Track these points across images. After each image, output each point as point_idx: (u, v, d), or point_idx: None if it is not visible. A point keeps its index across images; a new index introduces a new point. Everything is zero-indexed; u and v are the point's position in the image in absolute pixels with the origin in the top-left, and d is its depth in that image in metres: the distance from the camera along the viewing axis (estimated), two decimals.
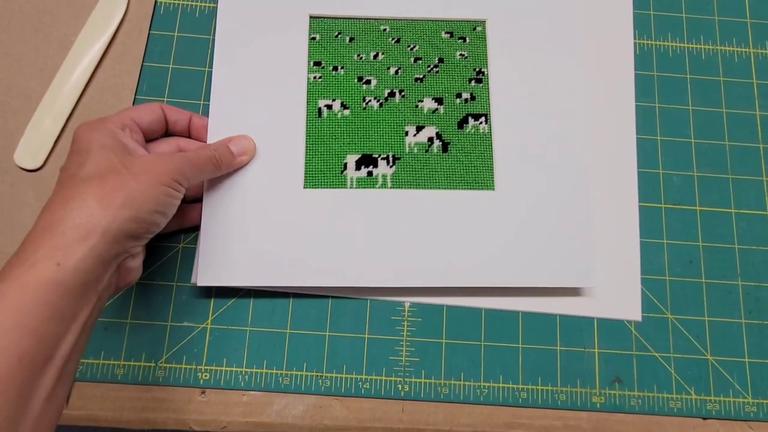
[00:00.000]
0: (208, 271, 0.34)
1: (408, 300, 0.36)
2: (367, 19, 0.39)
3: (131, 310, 0.35)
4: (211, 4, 0.41)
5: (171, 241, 0.37)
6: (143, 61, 0.39)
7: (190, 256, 0.36)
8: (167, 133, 0.35)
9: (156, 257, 0.36)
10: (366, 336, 0.36)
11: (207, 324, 0.35)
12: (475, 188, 0.36)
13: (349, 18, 0.39)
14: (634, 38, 0.42)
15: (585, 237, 0.36)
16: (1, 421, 0.22)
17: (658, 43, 0.42)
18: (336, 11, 0.39)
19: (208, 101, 0.39)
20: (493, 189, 0.36)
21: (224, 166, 0.34)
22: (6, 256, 0.35)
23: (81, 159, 0.28)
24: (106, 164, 0.28)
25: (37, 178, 0.37)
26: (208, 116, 0.36)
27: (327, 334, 0.36)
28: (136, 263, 0.30)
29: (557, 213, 0.36)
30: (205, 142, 0.35)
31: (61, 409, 0.25)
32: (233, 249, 0.34)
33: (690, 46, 0.42)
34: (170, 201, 0.29)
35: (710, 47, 0.42)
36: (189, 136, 0.36)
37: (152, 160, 0.29)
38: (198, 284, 0.34)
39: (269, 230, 0.35)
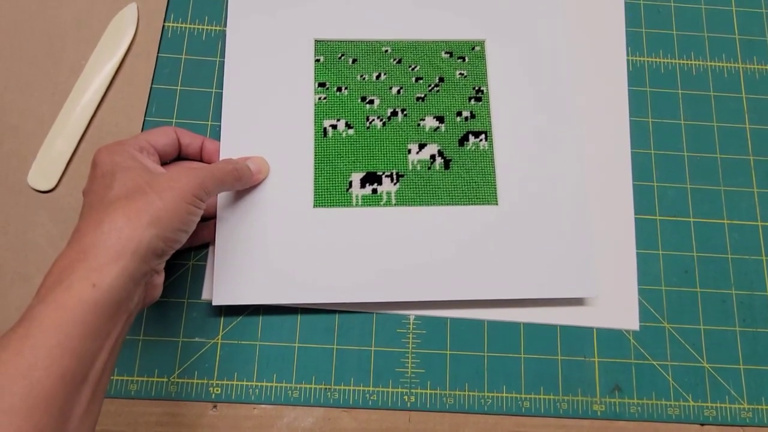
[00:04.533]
0: (223, 291, 0.35)
1: (413, 313, 0.37)
2: (369, 41, 0.41)
3: (143, 327, 0.36)
4: (217, 28, 0.42)
5: (181, 258, 0.38)
6: (152, 84, 0.41)
7: (200, 273, 0.37)
8: (179, 156, 0.36)
9: (167, 275, 0.37)
10: (372, 349, 0.37)
11: (218, 339, 0.36)
12: (478, 203, 0.38)
13: (352, 41, 0.40)
14: (627, 55, 0.43)
15: (585, 248, 0.37)
16: None
17: (650, 59, 0.43)
18: (339, 35, 0.40)
19: (216, 122, 0.40)
20: (497, 204, 0.38)
21: (244, 180, 0.35)
22: (20, 275, 0.37)
23: (107, 181, 0.29)
24: (132, 185, 0.29)
25: (50, 199, 0.38)
26: (218, 139, 0.37)
27: (334, 347, 0.37)
28: (160, 279, 0.31)
29: (558, 226, 0.37)
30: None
31: (94, 426, 0.26)
32: (247, 268, 0.35)
33: (681, 62, 0.43)
34: (192, 218, 0.30)
35: (700, 63, 0.43)
36: (201, 160, 0.37)
37: (174, 176, 0.30)
38: (213, 304, 0.35)
39: (281, 249, 0.36)
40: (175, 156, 0.36)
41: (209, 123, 0.40)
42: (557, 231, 0.37)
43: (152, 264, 0.29)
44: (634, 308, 0.38)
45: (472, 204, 0.38)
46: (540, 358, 0.37)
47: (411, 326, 0.37)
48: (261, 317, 0.37)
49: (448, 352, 0.37)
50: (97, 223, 0.27)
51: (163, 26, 0.42)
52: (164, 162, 0.35)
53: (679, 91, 0.43)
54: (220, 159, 0.37)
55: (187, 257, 0.38)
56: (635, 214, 0.40)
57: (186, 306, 0.37)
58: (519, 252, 0.37)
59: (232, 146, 0.37)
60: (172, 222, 0.29)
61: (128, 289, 0.27)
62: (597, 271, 0.37)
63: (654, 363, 0.37)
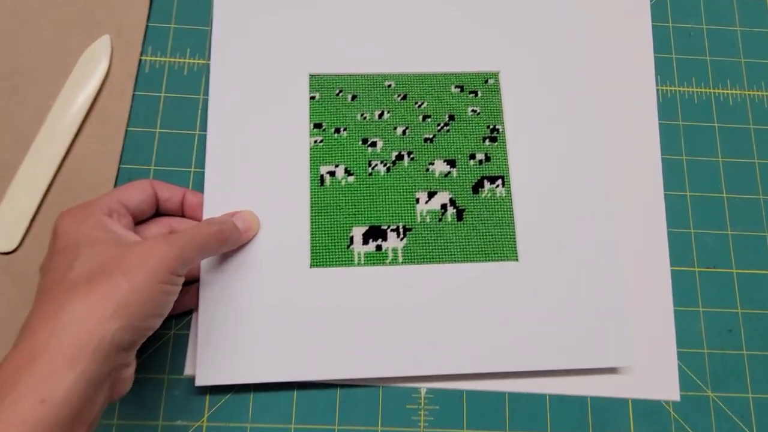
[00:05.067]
0: (207, 369, 0.31)
1: (424, 386, 0.33)
2: (370, 75, 0.36)
3: (118, 409, 0.32)
4: (201, 61, 0.38)
5: (161, 327, 0.33)
6: (127, 126, 0.36)
7: (182, 343, 0.33)
8: (158, 212, 0.32)
9: (145, 347, 0.33)
10: (379, 429, 0.32)
11: (203, 422, 0.32)
12: (496, 260, 0.33)
13: (351, 75, 0.36)
14: (656, 85, 0.39)
15: (618, 310, 0.33)
16: None
17: (681, 89, 0.39)
18: (337, 69, 0.36)
19: (200, 168, 0.36)
20: (517, 260, 0.33)
21: (231, 241, 0.31)
22: None
23: (68, 257, 0.25)
24: (96, 262, 0.25)
25: (12, 261, 0.33)
26: (202, 190, 0.33)
27: (336, 427, 0.32)
28: (129, 372, 0.26)
29: (587, 284, 0.33)
30: (201, 221, 0.32)
31: None
32: (235, 342, 0.31)
33: (716, 91, 0.39)
34: (167, 299, 0.26)
35: (738, 92, 0.39)
36: (182, 215, 0.32)
37: (146, 250, 0.26)
38: (197, 384, 0.30)
39: (274, 318, 0.31)
40: (152, 213, 0.31)
41: (192, 170, 0.36)
42: (586, 290, 0.33)
43: (118, 360, 0.24)
44: (674, 375, 0.34)
45: (489, 260, 0.33)
46: None
47: (422, 401, 0.33)
48: (252, 394, 0.32)
49: (465, 431, 0.33)
50: (52, 314, 0.23)
51: (140, 60, 0.37)
52: (141, 221, 0.31)
53: (716, 124, 0.38)
54: (204, 214, 0.33)
55: (167, 326, 0.33)
56: (671, 266, 0.36)
57: (166, 383, 0.32)
58: (543, 315, 0.32)
59: (217, 198, 0.33)
60: (142, 308, 0.24)
61: (88, 396, 0.22)
62: (632, 335, 0.33)
63: None
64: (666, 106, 0.39)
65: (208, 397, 0.32)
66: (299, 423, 0.32)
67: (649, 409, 0.33)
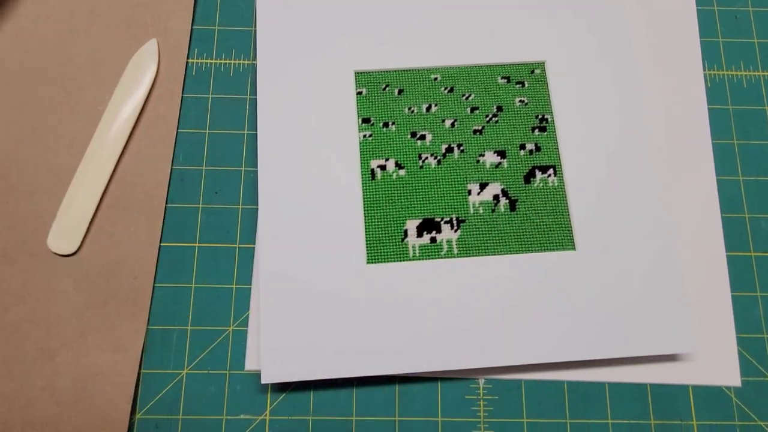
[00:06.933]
0: (273, 366, 0.31)
1: (482, 377, 0.33)
2: (415, 69, 0.36)
3: (182, 404, 0.33)
4: (246, 62, 0.38)
5: (220, 324, 0.34)
6: (178, 128, 0.37)
7: (241, 340, 0.33)
8: None
9: (204, 343, 0.33)
10: (439, 419, 0.33)
11: (265, 416, 0.32)
12: (552, 249, 0.33)
13: (396, 70, 0.36)
14: (704, 69, 0.38)
15: (679, 295, 0.32)
16: None
17: (730, 73, 0.39)
18: (382, 65, 0.36)
19: (250, 166, 0.36)
20: (573, 249, 0.33)
21: None
22: (43, 352, 0.33)
23: None
24: None
25: (73, 263, 0.34)
26: (254, 188, 0.33)
27: (396, 419, 0.33)
28: None
29: (646, 271, 0.33)
30: None
31: None
32: (297, 340, 0.31)
33: (765, 74, 0.39)
34: None
35: None
36: None
37: None
38: (263, 382, 0.31)
39: (334, 317, 0.32)
40: None
41: (243, 168, 0.36)
42: (646, 277, 0.33)
43: None
44: (734, 361, 0.33)
45: (545, 250, 0.33)
46: (631, 423, 0.32)
47: (481, 392, 0.33)
48: (312, 388, 0.33)
49: (525, 420, 0.33)
50: None
51: (187, 63, 0.38)
52: None
53: (766, 107, 0.38)
54: (259, 217, 0.33)
55: (226, 323, 0.34)
56: (726, 251, 0.35)
57: (228, 378, 0.33)
58: (604, 304, 0.32)
59: (270, 195, 0.33)
60: None
61: None
62: (694, 321, 0.33)
63: (761, 424, 0.33)
64: (714, 91, 0.38)
65: (269, 390, 0.33)
66: (360, 415, 0.33)
67: (710, 395, 0.33)
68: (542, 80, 0.36)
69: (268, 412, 0.33)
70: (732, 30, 0.39)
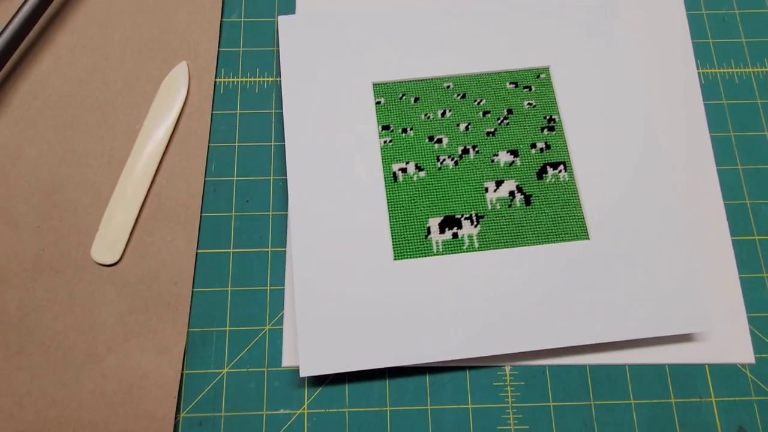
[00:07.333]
0: (310, 360, 0.33)
1: (508, 364, 0.35)
2: (429, 79, 0.39)
3: (224, 402, 0.34)
4: (269, 79, 0.41)
5: (256, 324, 0.35)
6: (209, 142, 0.39)
7: (277, 338, 0.35)
8: None
9: (242, 343, 0.35)
10: (469, 406, 0.34)
11: (303, 410, 0.34)
12: (567, 240, 0.35)
13: (411, 80, 0.39)
14: (697, 68, 0.41)
15: (692, 277, 0.34)
16: None
17: (722, 70, 0.41)
18: (397, 76, 0.39)
19: (278, 175, 0.38)
20: (588, 238, 0.35)
21: None
22: (89, 357, 0.35)
23: None
24: None
25: (115, 272, 0.36)
26: (286, 195, 0.35)
27: (428, 408, 0.34)
28: None
29: (658, 254, 0.35)
30: None
31: None
32: (332, 335, 0.33)
33: (755, 70, 0.41)
34: None
35: None
36: None
37: None
38: (301, 375, 0.32)
39: (365, 310, 0.34)
40: None
41: (271, 177, 0.39)
42: (658, 261, 0.35)
43: None
44: (747, 339, 0.35)
45: (561, 241, 0.35)
46: (652, 403, 0.34)
47: (508, 378, 0.35)
48: (347, 382, 0.34)
49: (551, 404, 0.34)
50: None
51: (215, 82, 0.41)
52: None
53: (758, 101, 0.40)
54: (290, 220, 0.35)
55: (262, 323, 0.36)
56: (731, 236, 0.37)
57: (266, 375, 0.35)
58: (620, 288, 0.34)
59: (300, 201, 0.36)
60: None
61: None
62: (707, 301, 0.35)
63: None
64: (709, 88, 0.41)
65: (306, 385, 0.34)
66: (394, 405, 0.34)
67: (726, 373, 0.35)
68: (548, 84, 0.39)
69: (305, 406, 0.34)
70: (721, 31, 0.42)
